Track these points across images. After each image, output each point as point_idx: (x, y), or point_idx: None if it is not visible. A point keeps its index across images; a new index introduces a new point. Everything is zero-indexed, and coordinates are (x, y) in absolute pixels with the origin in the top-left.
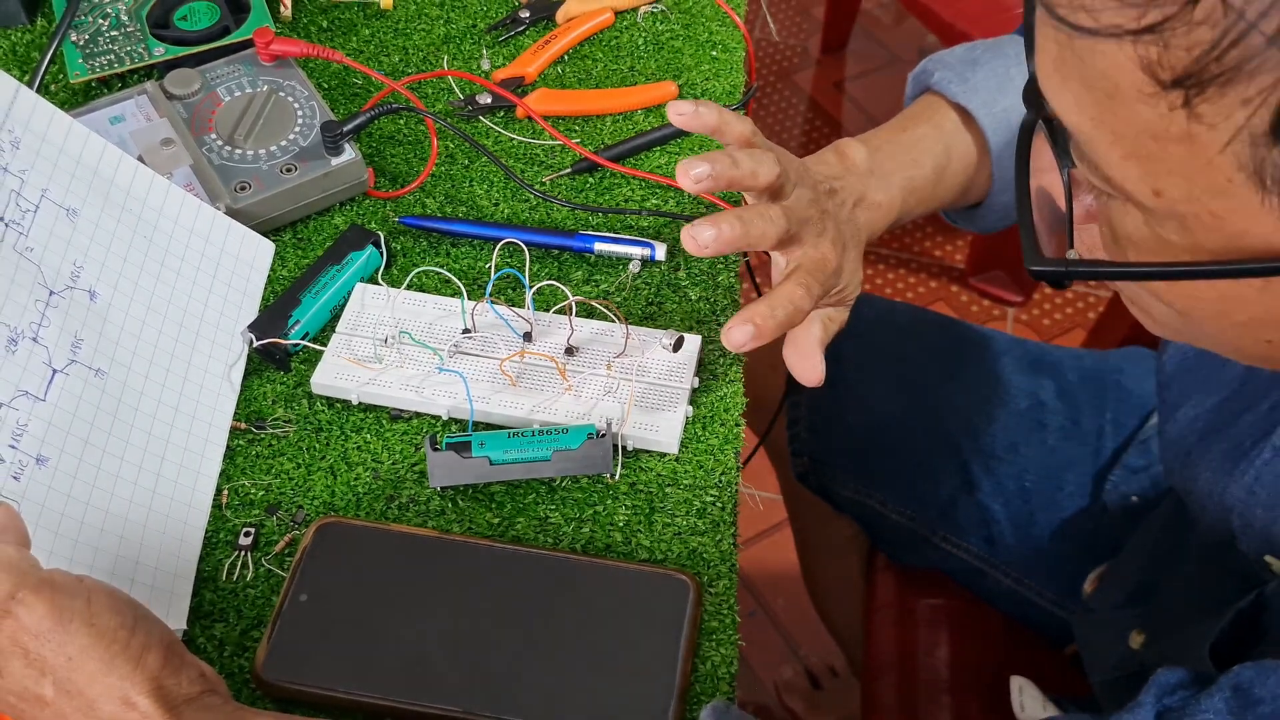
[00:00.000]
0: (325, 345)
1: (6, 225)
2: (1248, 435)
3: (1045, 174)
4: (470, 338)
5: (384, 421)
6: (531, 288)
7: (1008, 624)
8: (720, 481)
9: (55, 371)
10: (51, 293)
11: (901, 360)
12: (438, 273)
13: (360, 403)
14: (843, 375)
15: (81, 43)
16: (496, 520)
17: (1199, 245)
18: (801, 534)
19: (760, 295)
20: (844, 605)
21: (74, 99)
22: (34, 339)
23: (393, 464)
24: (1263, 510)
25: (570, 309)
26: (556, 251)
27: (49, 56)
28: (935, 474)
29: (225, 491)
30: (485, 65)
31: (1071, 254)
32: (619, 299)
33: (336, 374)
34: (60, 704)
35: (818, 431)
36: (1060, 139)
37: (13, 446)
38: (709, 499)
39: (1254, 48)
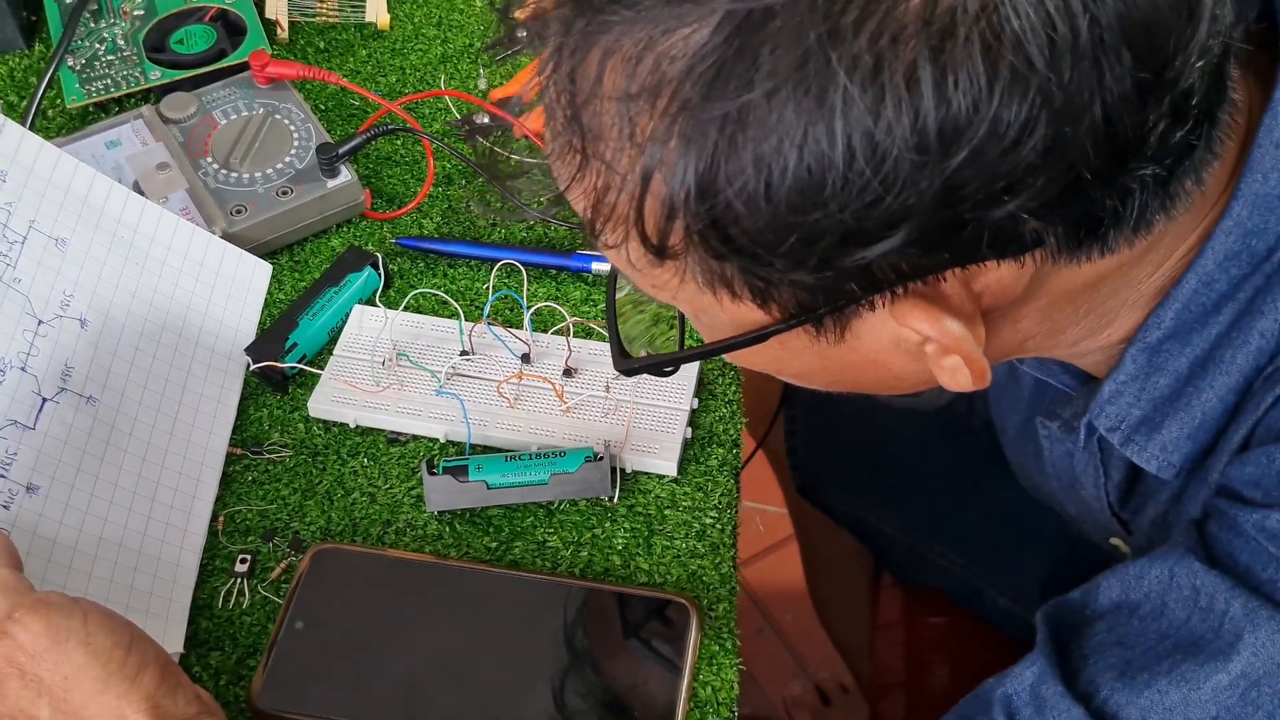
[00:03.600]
0: (323, 368)
1: None
2: (1037, 435)
3: None
4: (468, 360)
5: (381, 445)
6: (529, 309)
7: (1011, 644)
8: (720, 503)
9: (45, 400)
10: (40, 321)
11: None
12: (435, 295)
13: (358, 426)
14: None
15: (78, 67)
16: (494, 544)
17: (724, 329)
18: (807, 548)
19: None
20: (850, 620)
21: (71, 124)
22: (22, 368)
23: (389, 488)
24: (1065, 495)
25: (568, 330)
26: (554, 271)
27: (46, 81)
28: (929, 487)
29: (221, 517)
30: (482, 84)
31: (643, 353)
32: None
33: (334, 397)
34: None
35: (815, 446)
36: None
37: (2, 476)
38: (708, 521)
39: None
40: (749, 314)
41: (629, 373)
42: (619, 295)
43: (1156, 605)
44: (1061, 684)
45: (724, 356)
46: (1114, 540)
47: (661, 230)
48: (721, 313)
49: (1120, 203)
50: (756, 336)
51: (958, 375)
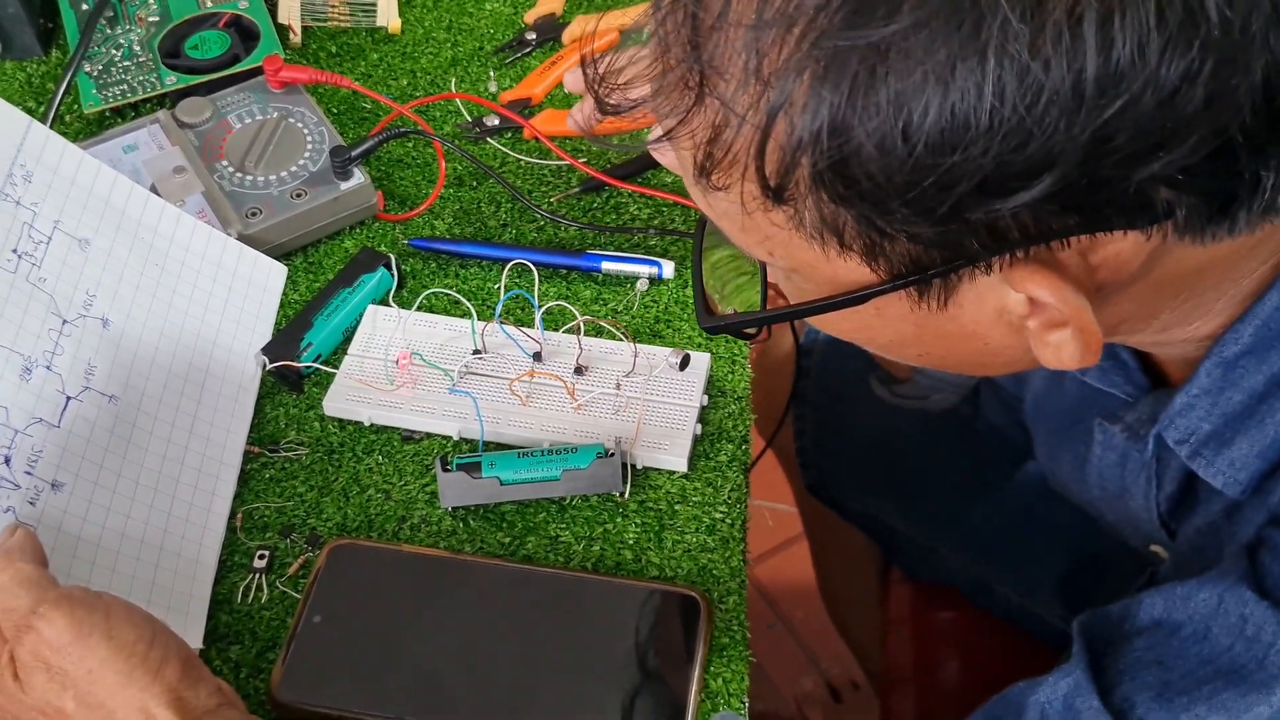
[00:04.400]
0: (338, 367)
1: (20, 257)
2: (1081, 441)
3: None
4: (480, 358)
5: (395, 443)
6: (540, 308)
7: (1022, 638)
8: (729, 498)
9: (69, 398)
10: (64, 321)
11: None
12: (448, 294)
13: (372, 424)
14: (844, 388)
15: (95, 73)
16: (507, 540)
17: (818, 288)
18: (817, 544)
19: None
20: (861, 616)
21: (88, 129)
22: (47, 367)
23: (404, 485)
24: (1106, 503)
25: (578, 329)
26: (565, 270)
27: (64, 87)
28: (938, 487)
29: (240, 514)
30: (492, 87)
31: (728, 311)
32: (627, 318)
33: (349, 396)
34: (81, 716)
35: (823, 444)
36: None
37: (28, 473)
38: (718, 515)
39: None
40: (851, 272)
41: (713, 330)
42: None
43: (1200, 628)
44: (1097, 698)
45: (812, 321)
46: (1154, 547)
47: (783, 171)
48: (822, 268)
49: (1259, 176)
50: (858, 297)
51: (1063, 350)
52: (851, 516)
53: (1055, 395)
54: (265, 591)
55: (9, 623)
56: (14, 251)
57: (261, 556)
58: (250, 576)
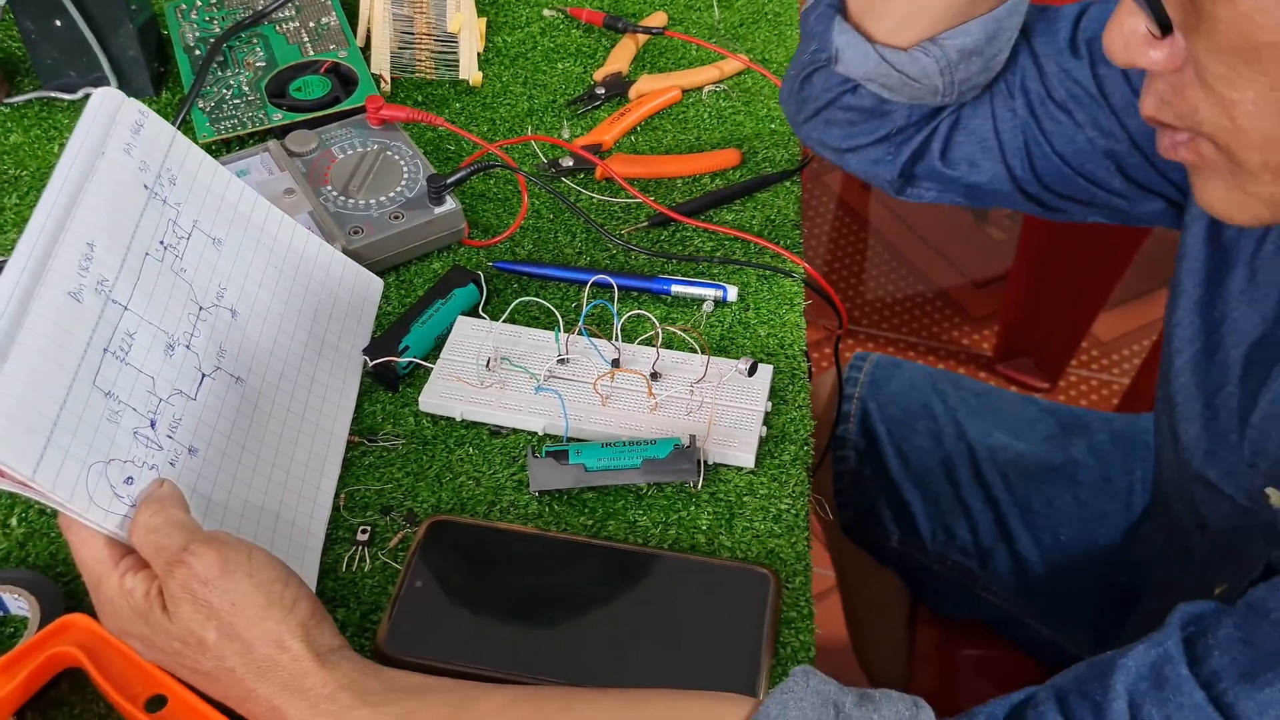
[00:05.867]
0: (431, 369)
1: (166, 248)
2: (1267, 362)
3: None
4: (564, 364)
5: (485, 436)
6: (620, 318)
7: (1049, 672)
8: (793, 492)
9: (204, 375)
10: (201, 308)
11: (936, 417)
12: (537, 302)
13: (463, 420)
14: (882, 429)
15: (208, 109)
16: (590, 523)
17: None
18: (847, 590)
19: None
20: (888, 660)
21: None
22: (187, 346)
23: (493, 473)
24: (1277, 429)
25: (657, 337)
26: (636, 293)
27: (180, 119)
28: (974, 524)
29: (343, 495)
30: (565, 135)
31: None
32: (695, 335)
33: (442, 393)
34: (221, 646)
35: (861, 484)
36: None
37: (170, 436)
38: (783, 507)
39: None
40: None
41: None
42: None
43: None
44: (1186, 668)
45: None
46: (1270, 490)
47: None
48: None
49: None
50: None
51: None
52: (886, 556)
53: (1250, 296)
54: (368, 562)
55: (161, 559)
56: (161, 243)
57: (364, 531)
58: (354, 549)
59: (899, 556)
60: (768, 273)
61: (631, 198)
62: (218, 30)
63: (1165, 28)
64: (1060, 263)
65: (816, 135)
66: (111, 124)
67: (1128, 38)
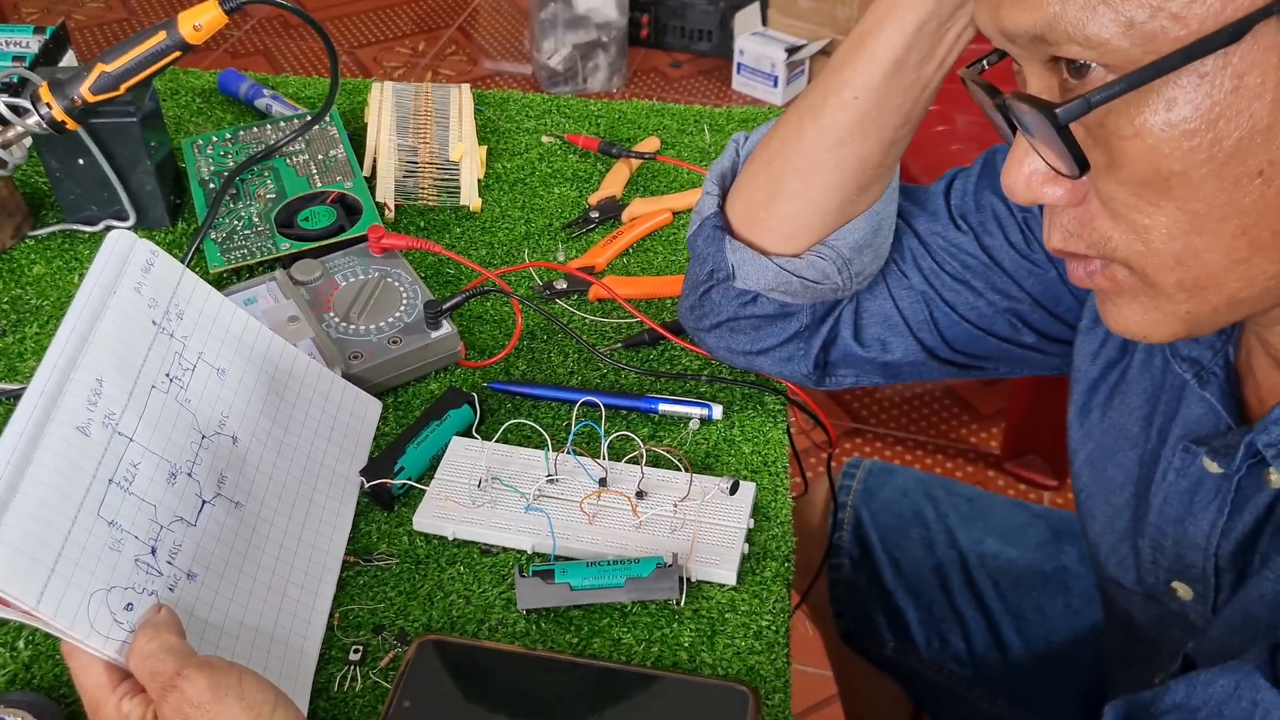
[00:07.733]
0: (426, 489)
1: (171, 380)
2: (1151, 463)
3: None
4: (553, 483)
5: (475, 555)
6: (607, 438)
7: None
8: (774, 608)
9: (204, 502)
10: (203, 436)
11: (928, 524)
12: (528, 425)
13: (455, 538)
14: (875, 537)
15: (220, 239)
16: (575, 640)
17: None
18: (849, 698)
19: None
20: None
21: (214, 286)
22: (189, 474)
23: (483, 592)
24: (1171, 527)
25: (641, 457)
26: (624, 412)
27: (193, 250)
28: (968, 632)
29: (337, 614)
30: (560, 257)
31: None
32: (679, 453)
33: (435, 514)
34: None
35: (857, 592)
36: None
37: (170, 563)
38: (764, 623)
39: None
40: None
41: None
42: None
43: (1214, 712)
44: None
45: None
46: (1176, 584)
47: None
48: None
49: None
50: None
51: None
52: (883, 664)
53: (1127, 401)
54: (359, 681)
55: (156, 684)
56: (167, 375)
57: (356, 651)
58: (346, 668)
59: (896, 664)
60: (753, 390)
61: (624, 317)
62: (231, 164)
63: (1083, 166)
64: None
65: (724, 344)
66: (124, 264)
67: (1029, 178)
